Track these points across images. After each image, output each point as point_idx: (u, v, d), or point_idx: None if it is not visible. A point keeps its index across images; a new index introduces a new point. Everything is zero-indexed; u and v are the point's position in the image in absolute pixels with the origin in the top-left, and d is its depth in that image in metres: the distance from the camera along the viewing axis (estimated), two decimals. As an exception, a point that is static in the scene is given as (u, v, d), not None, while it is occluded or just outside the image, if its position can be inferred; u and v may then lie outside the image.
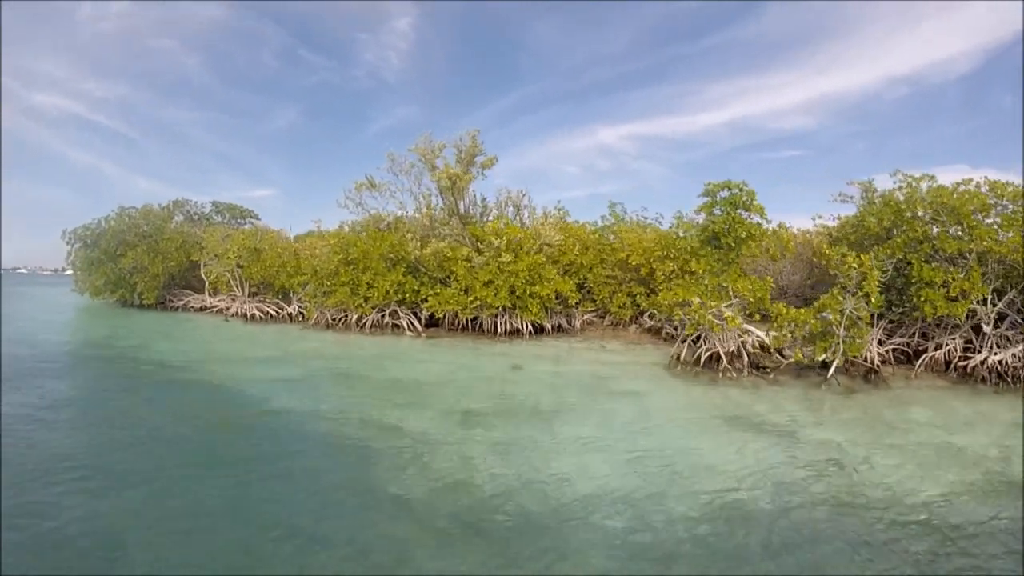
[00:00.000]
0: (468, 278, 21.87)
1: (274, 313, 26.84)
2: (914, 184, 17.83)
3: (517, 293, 21.91)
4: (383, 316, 23.29)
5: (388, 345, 20.13)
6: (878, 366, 15.81)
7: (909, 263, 16.42)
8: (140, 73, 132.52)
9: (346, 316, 23.99)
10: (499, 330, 22.48)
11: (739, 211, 19.87)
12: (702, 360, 16.88)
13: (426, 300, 22.85)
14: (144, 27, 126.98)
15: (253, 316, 26.83)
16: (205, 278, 30.91)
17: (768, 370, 16.16)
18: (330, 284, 23.64)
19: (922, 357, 16.26)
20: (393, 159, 23.88)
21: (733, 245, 19.60)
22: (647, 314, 25.52)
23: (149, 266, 29.75)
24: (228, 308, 28.75)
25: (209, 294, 30.90)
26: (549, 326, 23.38)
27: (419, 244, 22.63)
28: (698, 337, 18.29)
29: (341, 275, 23.08)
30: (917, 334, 17.63)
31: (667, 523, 5.88)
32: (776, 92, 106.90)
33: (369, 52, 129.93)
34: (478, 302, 21.80)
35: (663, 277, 23.33)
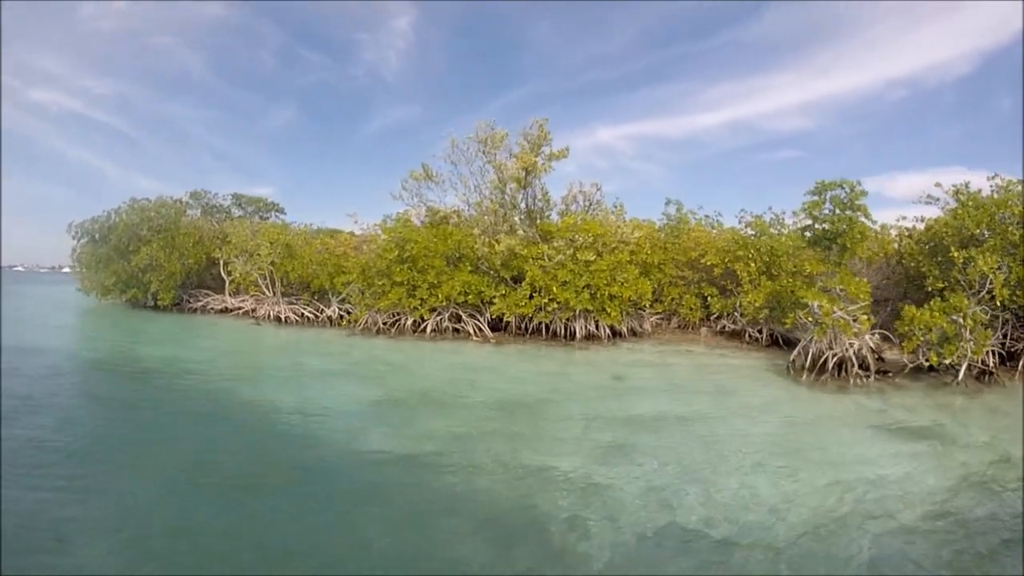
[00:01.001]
0: (544, 278, 19.92)
1: (312, 316, 24.42)
2: (1011, 187, 16.90)
3: (596, 295, 20.07)
4: (442, 320, 21.19)
5: (458, 354, 18.08)
6: (994, 366, 15.14)
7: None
8: (140, 70, 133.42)
9: (399, 320, 21.83)
10: (576, 335, 20.60)
11: (847, 211, 18.57)
12: (829, 365, 15.62)
13: (491, 302, 20.83)
14: (145, 25, 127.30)
15: (287, 319, 24.39)
16: (226, 277, 28.32)
17: (890, 374, 15.76)
18: (381, 284, 21.43)
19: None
20: (455, 145, 21.78)
21: (848, 246, 18.12)
22: (714, 316, 23.99)
23: (165, 263, 27.03)
24: (256, 310, 26.26)
25: (230, 294, 28.31)
26: (624, 329, 21.58)
27: (487, 241, 20.57)
28: (808, 341, 17.40)
29: (396, 274, 20.89)
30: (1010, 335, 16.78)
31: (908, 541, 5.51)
32: (775, 93, 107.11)
33: (368, 52, 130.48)
34: (555, 304, 19.87)
35: (748, 277, 21.80)
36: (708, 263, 23.12)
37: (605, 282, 20.05)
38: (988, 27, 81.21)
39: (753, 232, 23.19)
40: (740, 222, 25.19)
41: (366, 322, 21.92)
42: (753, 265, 22.15)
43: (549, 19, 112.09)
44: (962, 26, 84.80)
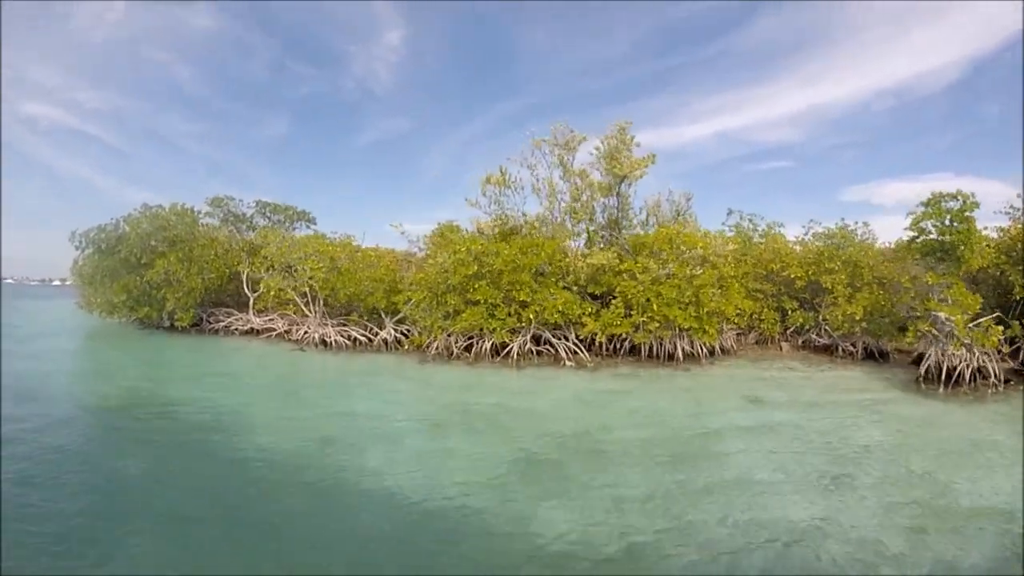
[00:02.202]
0: (644, 294, 18.35)
1: (366, 339, 21.86)
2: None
3: (696, 312, 18.65)
4: (524, 342, 19.26)
5: (559, 382, 16.15)
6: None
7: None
8: (132, 82, 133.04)
9: (471, 342, 19.76)
10: (669, 355, 19.11)
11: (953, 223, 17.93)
12: (965, 376, 15.39)
13: (579, 322, 19.09)
14: (137, 36, 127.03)
15: (334, 343, 21.74)
16: (250, 294, 25.47)
17: (1011, 382, 15.97)
18: (454, 303, 19.33)
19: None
20: (539, 145, 19.94)
21: (963, 257, 17.36)
22: (791, 331, 23.03)
23: (184, 278, 23.94)
24: (291, 332, 23.55)
25: (255, 313, 25.45)
26: (718, 347, 20.25)
27: (577, 254, 18.84)
28: (920, 355, 17.30)
29: (475, 291, 18.86)
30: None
31: None
32: (764, 104, 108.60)
33: (358, 64, 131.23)
34: (655, 323, 18.31)
35: (842, 288, 20.91)
36: (791, 275, 22.11)
37: (708, 297, 18.68)
38: (976, 33, 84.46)
39: (832, 243, 22.38)
40: (807, 233, 24.42)
41: (437, 346, 19.68)
42: (843, 276, 21.30)
43: (542, 30, 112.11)
44: (950, 33, 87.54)
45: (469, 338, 19.87)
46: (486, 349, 19.40)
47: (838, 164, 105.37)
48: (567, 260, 18.89)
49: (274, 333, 23.96)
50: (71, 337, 24.78)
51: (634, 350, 19.85)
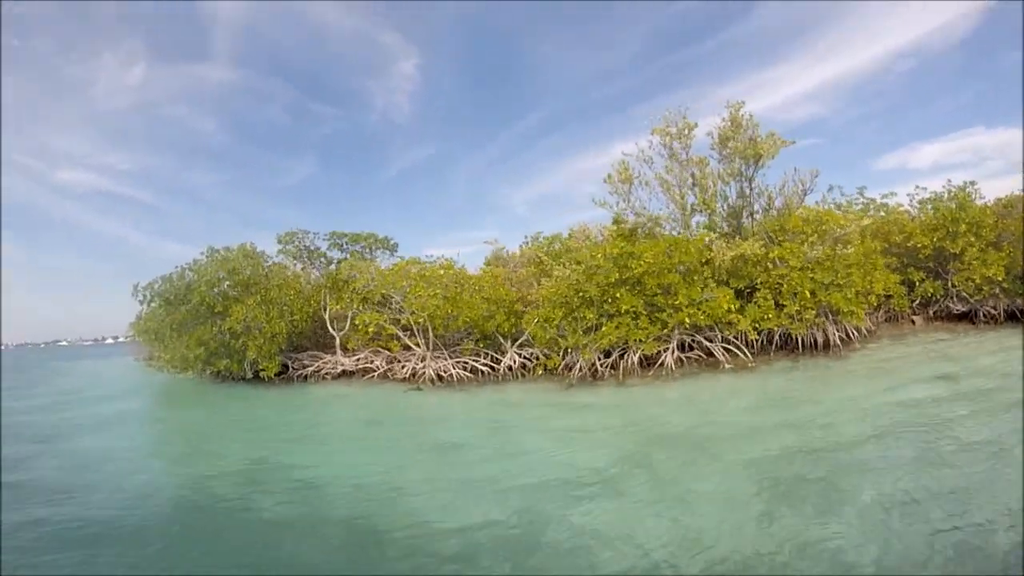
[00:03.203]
0: (799, 281, 17.15)
1: (488, 369, 20.06)
2: None
3: (848, 295, 17.53)
4: (670, 350, 17.87)
5: (734, 387, 14.63)
6: None
7: None
8: (158, 141, 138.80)
9: (610, 356, 18.27)
10: (828, 342, 17.98)
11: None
12: None
13: (727, 321, 17.78)
14: (158, 96, 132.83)
15: (452, 377, 19.86)
16: (335, 333, 23.55)
17: None
18: (590, 316, 17.82)
19: None
20: (668, 133, 18.55)
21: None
22: (916, 303, 22.15)
23: (266, 324, 21.89)
24: (394, 371, 21.70)
25: (342, 353, 23.51)
26: (863, 329, 19.18)
27: (722, 247, 17.55)
28: None
29: (613, 302, 17.39)
30: None
31: None
32: (780, 85, 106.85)
33: (378, 98, 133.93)
34: (811, 311, 17.13)
35: (974, 251, 20.14)
36: (916, 244, 21.20)
37: (859, 277, 17.59)
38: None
39: (950, 204, 21.56)
40: (913, 200, 23.61)
41: (580, 367, 18.06)
42: (972, 238, 20.50)
43: (549, 42, 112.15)
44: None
45: (606, 354, 18.39)
46: (633, 363, 17.94)
47: (866, 134, 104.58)
48: (712, 254, 17.53)
49: (375, 374, 22.02)
50: (142, 397, 22.46)
51: (785, 343, 18.70)
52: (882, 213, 24.12)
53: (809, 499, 6.62)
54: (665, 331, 17.81)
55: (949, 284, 21.40)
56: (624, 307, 17.40)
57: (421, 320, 19.93)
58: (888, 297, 21.36)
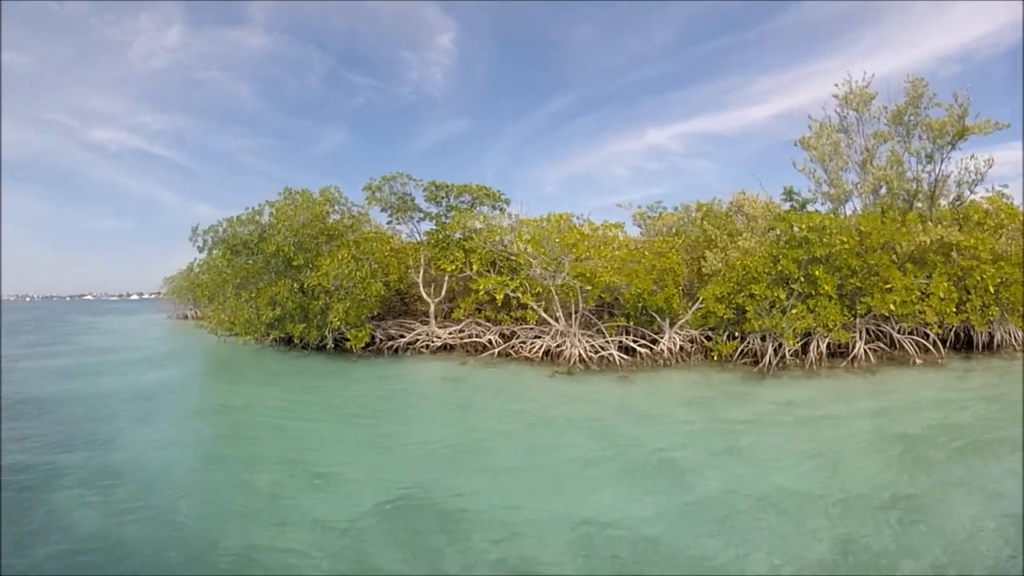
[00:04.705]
0: (989, 277, 16.37)
1: (646, 352, 17.42)
2: None
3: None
4: (859, 337, 16.48)
5: (944, 385, 13.36)
6: None
7: None
8: (193, 104, 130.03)
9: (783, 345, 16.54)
10: (998, 342, 17.51)
11: None
12: None
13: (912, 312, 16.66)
14: (195, 60, 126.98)
15: (599, 360, 17.10)
16: (430, 300, 19.99)
17: None
18: (775, 295, 15.99)
19: None
20: (859, 97, 16.95)
21: None
22: None
23: (359, 284, 17.85)
24: (515, 349, 18.62)
25: (437, 324, 19.97)
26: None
27: (918, 231, 16.36)
28: None
29: (821, 280, 15.63)
30: None
31: None
32: (822, 80, 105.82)
33: (413, 70, 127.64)
34: (996, 308, 16.48)
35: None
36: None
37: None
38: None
39: None
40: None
41: (773, 353, 16.03)
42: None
43: (588, 22, 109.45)
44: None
45: (778, 342, 16.62)
46: (822, 352, 16.34)
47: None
48: (916, 233, 16.27)
49: (494, 351, 18.67)
50: (200, 365, 17.66)
51: (956, 340, 18.04)
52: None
53: None
54: (851, 318, 16.39)
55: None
56: (826, 287, 15.72)
57: (574, 290, 17.05)
58: None
